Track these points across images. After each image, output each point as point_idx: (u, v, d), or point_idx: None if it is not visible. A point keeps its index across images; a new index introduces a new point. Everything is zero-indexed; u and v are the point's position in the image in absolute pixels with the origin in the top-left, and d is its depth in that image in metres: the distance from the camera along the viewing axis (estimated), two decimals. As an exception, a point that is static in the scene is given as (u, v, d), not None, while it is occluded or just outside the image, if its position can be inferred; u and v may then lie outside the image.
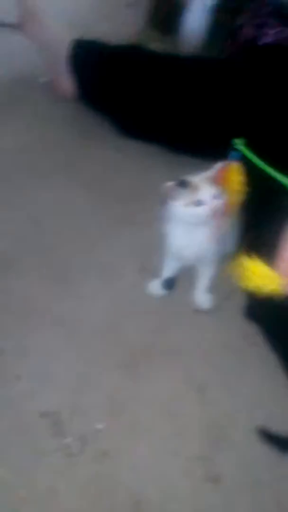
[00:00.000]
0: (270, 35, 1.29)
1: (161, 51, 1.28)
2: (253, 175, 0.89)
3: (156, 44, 1.39)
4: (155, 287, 1.02)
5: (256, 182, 0.90)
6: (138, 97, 1.17)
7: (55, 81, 1.28)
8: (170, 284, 1.01)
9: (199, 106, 1.12)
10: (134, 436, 0.86)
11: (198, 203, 0.86)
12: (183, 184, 0.86)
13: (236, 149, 0.90)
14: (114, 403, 0.89)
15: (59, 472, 0.81)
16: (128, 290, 1.03)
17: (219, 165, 0.88)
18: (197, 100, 1.12)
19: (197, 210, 0.87)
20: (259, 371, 0.94)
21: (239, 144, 0.90)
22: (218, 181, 0.88)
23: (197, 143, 1.14)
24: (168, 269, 1.01)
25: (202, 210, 0.87)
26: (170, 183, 0.86)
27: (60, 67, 1.24)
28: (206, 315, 1.00)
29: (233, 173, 0.90)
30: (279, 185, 0.85)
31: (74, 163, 1.22)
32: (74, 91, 1.26)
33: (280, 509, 0.81)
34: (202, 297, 1.01)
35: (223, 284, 0.96)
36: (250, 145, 0.90)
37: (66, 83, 1.25)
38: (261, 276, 0.63)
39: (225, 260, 0.97)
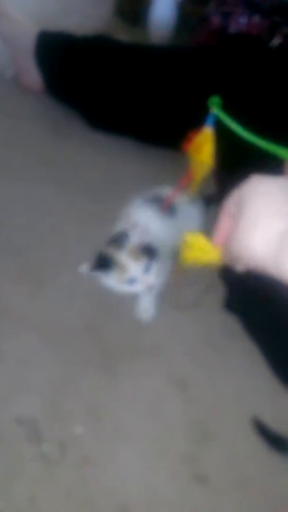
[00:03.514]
0: (239, 23, 1.28)
1: (128, 41, 1.25)
2: (225, 142, 0.84)
3: (124, 35, 1.37)
4: (146, 310, 0.98)
5: (228, 151, 0.86)
6: (106, 89, 1.14)
7: (21, 75, 1.24)
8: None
9: (168, 95, 1.10)
10: (116, 439, 0.83)
11: (130, 281, 0.83)
12: (105, 265, 0.82)
13: (210, 114, 0.86)
14: (94, 406, 0.86)
15: (38, 481, 0.78)
16: (105, 288, 1.00)
17: (138, 229, 0.85)
18: (166, 90, 1.10)
19: (131, 289, 0.84)
20: (242, 365, 0.93)
21: (215, 104, 0.86)
22: (189, 148, 0.85)
23: (167, 133, 1.12)
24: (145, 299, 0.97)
25: (136, 288, 0.84)
26: (87, 266, 0.82)
27: (26, 60, 1.21)
28: (185, 311, 0.97)
29: (206, 142, 0.86)
30: (253, 152, 0.81)
31: (44, 159, 1.18)
32: (41, 84, 1.22)
33: (269, 506, 0.80)
34: (144, 306, 0.96)
35: (201, 279, 0.94)
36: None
37: (33, 76, 1.22)
38: (199, 248, 0.63)
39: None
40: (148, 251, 0.83)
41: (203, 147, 0.86)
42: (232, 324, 0.95)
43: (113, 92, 1.13)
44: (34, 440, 0.81)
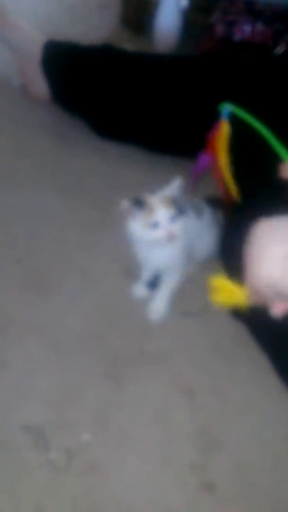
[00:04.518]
0: (243, 31, 1.29)
1: (134, 51, 1.26)
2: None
3: (129, 45, 1.38)
4: (138, 289, 0.99)
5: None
6: (112, 98, 1.15)
7: (28, 84, 1.26)
8: (153, 283, 0.98)
9: (173, 104, 1.11)
10: (122, 447, 0.83)
11: (154, 225, 0.84)
12: (138, 204, 0.83)
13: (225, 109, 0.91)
14: (101, 413, 0.86)
15: (45, 488, 0.78)
16: (110, 295, 1.00)
17: (176, 182, 0.86)
18: (171, 98, 1.11)
19: (152, 234, 0.84)
20: (250, 372, 0.92)
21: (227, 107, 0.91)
22: (210, 142, 0.88)
23: (173, 141, 1.12)
24: (146, 273, 0.99)
25: (158, 234, 0.84)
26: (126, 202, 0.83)
27: (33, 70, 1.22)
28: (192, 318, 0.97)
29: (223, 134, 0.90)
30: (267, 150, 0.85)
31: (49, 167, 1.19)
32: (48, 93, 1.23)
33: (277, 515, 0.79)
34: (156, 306, 0.97)
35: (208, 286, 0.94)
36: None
37: (40, 85, 1.23)
38: (227, 290, 0.64)
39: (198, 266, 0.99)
40: (177, 205, 0.85)
41: (223, 139, 0.91)
42: (239, 331, 0.94)
43: (120, 101, 1.14)
44: (41, 448, 0.80)
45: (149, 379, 0.90)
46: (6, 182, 1.15)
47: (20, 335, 0.93)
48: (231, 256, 0.73)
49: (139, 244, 0.89)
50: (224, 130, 0.91)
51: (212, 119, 0.96)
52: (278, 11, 1.31)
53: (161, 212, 0.83)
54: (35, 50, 1.20)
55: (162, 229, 0.84)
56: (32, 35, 1.21)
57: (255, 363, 0.91)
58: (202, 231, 0.96)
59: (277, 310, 0.61)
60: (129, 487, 0.79)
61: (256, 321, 0.93)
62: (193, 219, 0.94)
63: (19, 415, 0.84)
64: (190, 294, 0.98)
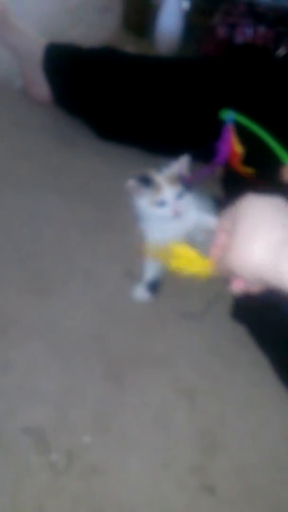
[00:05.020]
0: (245, 34, 1.29)
1: (136, 53, 1.26)
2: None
3: (131, 47, 1.38)
4: (139, 292, 0.99)
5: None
6: (113, 100, 1.15)
7: (30, 86, 1.26)
8: (154, 287, 0.98)
9: (174, 106, 1.11)
10: (123, 449, 0.83)
11: (161, 203, 0.86)
12: (145, 182, 0.86)
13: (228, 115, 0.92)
14: (101, 415, 0.86)
15: (46, 490, 0.78)
16: (112, 297, 1.00)
17: (181, 161, 0.88)
18: (173, 100, 1.11)
19: (159, 211, 0.86)
20: (250, 374, 0.92)
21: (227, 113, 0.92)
22: (225, 143, 0.91)
23: (174, 143, 1.12)
24: (149, 272, 0.98)
25: (164, 211, 0.86)
26: (132, 181, 0.85)
27: (35, 72, 1.22)
28: (192, 320, 0.97)
29: (234, 136, 0.93)
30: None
31: (51, 169, 1.19)
32: (49, 95, 1.23)
33: (278, 517, 0.79)
34: (141, 290, 0.99)
35: (208, 288, 0.94)
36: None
37: (41, 87, 1.23)
38: (186, 258, 0.64)
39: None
40: (184, 182, 0.87)
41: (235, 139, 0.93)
42: (239, 334, 0.94)
43: (121, 103, 1.14)
44: (41, 450, 0.81)
45: (150, 381, 0.90)
46: (8, 184, 1.15)
47: (21, 337, 0.93)
48: None
49: (147, 221, 0.91)
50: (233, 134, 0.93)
51: (214, 121, 0.96)
52: (280, 14, 1.31)
53: (168, 191, 0.85)
54: (37, 52, 1.20)
55: (169, 207, 0.86)
56: (34, 37, 1.22)
57: (255, 365, 0.91)
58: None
59: (238, 286, 0.60)
60: (129, 489, 0.79)
61: (257, 323, 0.93)
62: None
63: (20, 417, 0.84)
64: (190, 296, 0.98)
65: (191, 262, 0.64)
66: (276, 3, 1.33)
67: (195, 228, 0.91)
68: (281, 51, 1.29)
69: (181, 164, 0.88)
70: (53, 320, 0.96)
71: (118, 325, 0.96)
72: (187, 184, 0.88)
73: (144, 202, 0.87)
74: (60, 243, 1.07)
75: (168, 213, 0.86)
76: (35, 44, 1.21)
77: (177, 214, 0.86)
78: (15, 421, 0.83)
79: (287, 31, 1.29)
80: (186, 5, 1.41)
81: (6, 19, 1.20)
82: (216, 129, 0.95)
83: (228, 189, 1.07)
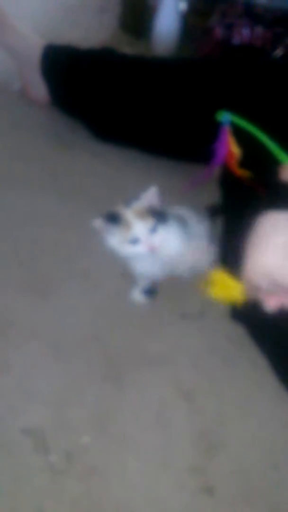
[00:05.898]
0: (242, 34, 1.29)
1: (133, 54, 1.26)
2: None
3: (128, 48, 1.38)
4: (136, 295, 0.99)
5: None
6: (112, 101, 1.15)
7: (27, 87, 1.26)
8: (150, 291, 0.98)
9: (173, 107, 1.11)
10: (122, 449, 0.83)
11: (133, 240, 0.80)
12: (112, 219, 0.80)
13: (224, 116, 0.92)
14: (100, 416, 0.86)
15: (45, 491, 0.78)
16: (110, 299, 1.00)
17: (149, 192, 0.83)
18: (170, 101, 1.11)
19: (133, 249, 0.81)
20: (249, 374, 0.92)
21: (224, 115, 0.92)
22: (222, 145, 0.88)
23: (173, 145, 1.12)
24: (142, 281, 0.98)
25: (138, 249, 0.81)
26: (98, 220, 0.81)
27: (32, 73, 1.22)
28: (191, 320, 0.97)
29: (231, 137, 0.92)
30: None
31: (49, 170, 1.19)
32: (47, 97, 1.24)
33: (277, 517, 0.79)
34: (139, 293, 0.97)
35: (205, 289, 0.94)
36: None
37: (39, 89, 1.23)
38: (223, 285, 0.64)
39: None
40: (156, 214, 0.82)
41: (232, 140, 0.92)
42: (239, 334, 0.94)
43: (119, 104, 1.14)
44: (41, 451, 0.81)
45: (149, 382, 0.90)
46: (6, 186, 1.15)
47: (20, 338, 0.93)
48: (232, 257, 0.73)
49: (126, 258, 0.87)
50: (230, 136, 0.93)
51: (211, 122, 0.96)
52: (277, 15, 1.32)
53: (138, 226, 0.80)
54: (35, 53, 1.20)
55: (143, 244, 0.81)
56: (31, 39, 1.21)
57: (254, 364, 0.91)
58: (190, 241, 0.91)
59: (270, 303, 0.61)
60: (129, 490, 0.79)
61: (256, 323, 0.93)
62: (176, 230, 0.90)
63: (19, 418, 0.84)
64: (189, 297, 0.98)
65: (228, 288, 0.64)
66: (273, 4, 1.33)
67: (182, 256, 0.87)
68: (278, 52, 1.29)
69: (151, 196, 0.82)
70: (52, 321, 0.96)
71: (117, 326, 0.96)
72: (159, 215, 0.82)
73: (115, 241, 0.81)
74: (59, 245, 1.07)
75: (142, 250, 0.81)
76: (33, 45, 1.21)
77: (152, 250, 0.81)
78: (14, 421, 0.83)
79: (284, 32, 1.29)
80: (183, 6, 1.41)
81: (4, 21, 1.20)
82: (213, 131, 0.95)
83: (226, 191, 1.08)
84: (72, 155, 1.22)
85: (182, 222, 0.92)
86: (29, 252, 1.05)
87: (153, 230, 0.81)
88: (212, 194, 1.08)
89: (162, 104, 1.12)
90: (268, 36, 1.30)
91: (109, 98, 1.16)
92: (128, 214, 0.81)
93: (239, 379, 0.92)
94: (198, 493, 0.80)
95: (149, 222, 0.81)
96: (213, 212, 1.01)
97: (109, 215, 0.81)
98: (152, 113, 1.13)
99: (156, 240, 0.81)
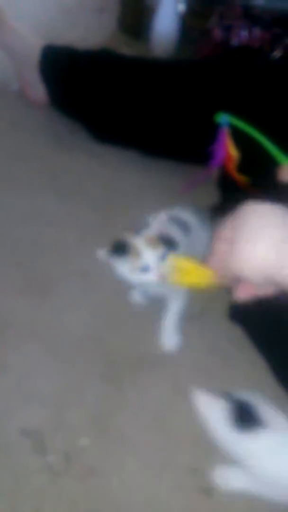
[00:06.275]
0: (240, 36, 1.30)
1: (132, 55, 1.27)
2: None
3: (127, 49, 1.38)
4: (136, 296, 0.99)
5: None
6: (110, 102, 1.16)
7: (26, 88, 1.26)
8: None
9: (172, 108, 1.11)
10: (121, 450, 0.83)
11: (143, 269, 0.79)
12: (121, 250, 0.79)
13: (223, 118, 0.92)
14: (99, 416, 0.85)
15: (43, 492, 0.77)
16: (109, 298, 1.00)
17: (159, 220, 0.83)
18: (169, 102, 1.11)
19: (144, 277, 0.79)
20: (248, 374, 0.92)
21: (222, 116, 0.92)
22: (220, 146, 0.88)
23: (170, 145, 1.13)
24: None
25: (148, 277, 0.79)
26: (104, 251, 0.79)
27: (31, 74, 1.22)
28: (190, 321, 0.97)
29: (229, 139, 0.92)
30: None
31: (47, 170, 1.19)
32: (46, 97, 1.24)
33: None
34: (169, 336, 0.94)
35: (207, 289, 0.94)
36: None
37: (38, 89, 1.23)
38: (188, 271, 0.64)
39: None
40: (166, 241, 0.81)
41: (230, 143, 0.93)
42: (237, 334, 0.94)
43: (117, 105, 1.14)
44: (39, 452, 0.80)
45: (148, 382, 0.90)
46: (5, 186, 1.15)
47: (19, 339, 0.93)
48: None
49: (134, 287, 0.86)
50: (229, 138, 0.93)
51: (210, 124, 0.97)
52: (275, 16, 1.32)
53: (149, 255, 0.79)
54: (33, 54, 1.21)
55: (153, 272, 0.79)
56: (30, 40, 1.22)
57: (253, 365, 0.91)
58: (192, 247, 0.91)
59: (241, 293, 0.61)
60: (128, 491, 0.79)
61: (253, 324, 0.93)
62: (182, 237, 0.89)
63: (18, 418, 0.83)
64: (189, 297, 0.98)
65: (189, 273, 0.64)
66: (271, 5, 1.34)
67: None
68: (276, 53, 1.30)
69: (161, 223, 0.82)
70: (51, 322, 0.96)
71: (116, 326, 0.96)
72: (169, 241, 0.81)
73: (125, 268, 0.80)
74: (57, 245, 1.07)
75: (153, 278, 0.79)
76: (31, 46, 1.21)
77: (163, 278, 0.79)
78: (13, 422, 0.83)
79: (282, 33, 1.30)
80: (182, 7, 1.41)
81: (3, 22, 1.21)
82: (211, 132, 0.96)
83: (224, 192, 1.08)
84: (71, 156, 1.22)
85: (185, 228, 0.92)
86: (27, 252, 1.05)
87: (164, 257, 0.80)
88: (211, 195, 1.08)
89: (160, 105, 1.12)
90: (266, 38, 1.30)
91: (107, 99, 1.16)
92: (138, 242, 0.80)
93: (239, 379, 0.92)
94: (196, 494, 0.80)
95: (159, 250, 0.80)
96: (212, 212, 1.01)
97: (117, 245, 0.80)
98: (150, 114, 1.13)
99: (166, 267, 0.79)
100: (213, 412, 0.74)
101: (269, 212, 0.56)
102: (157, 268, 0.79)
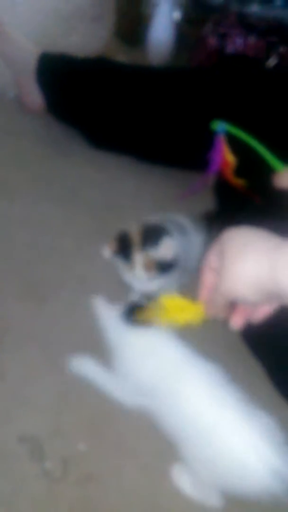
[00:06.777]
0: (236, 44, 1.31)
1: (128, 63, 1.27)
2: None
3: (123, 57, 1.39)
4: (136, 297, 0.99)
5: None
6: (107, 110, 1.16)
7: (23, 95, 1.26)
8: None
9: (168, 115, 1.12)
10: (119, 456, 0.83)
11: (130, 281, 0.86)
12: (124, 251, 0.85)
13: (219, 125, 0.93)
14: (97, 422, 0.86)
15: (41, 499, 0.78)
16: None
17: (165, 246, 0.85)
18: (166, 110, 1.12)
19: (131, 281, 0.87)
20: (245, 382, 0.92)
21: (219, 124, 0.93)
22: (217, 153, 0.90)
23: (167, 152, 1.13)
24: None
25: (135, 285, 0.87)
26: (107, 250, 0.86)
27: (28, 81, 1.22)
28: (187, 328, 0.97)
29: (226, 146, 0.93)
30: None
31: (46, 177, 1.19)
32: (43, 105, 1.24)
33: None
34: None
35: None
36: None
37: (35, 97, 1.23)
38: (177, 309, 0.63)
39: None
40: (163, 266, 0.84)
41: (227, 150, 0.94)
42: (235, 340, 0.95)
43: (114, 113, 1.15)
44: (37, 458, 0.80)
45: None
46: (2, 192, 1.15)
47: (16, 345, 0.93)
48: None
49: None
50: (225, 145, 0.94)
51: (206, 131, 0.97)
52: (270, 24, 1.33)
53: (140, 274, 0.85)
54: (30, 62, 1.21)
55: (137, 287, 0.85)
56: (27, 47, 1.22)
57: (249, 369, 0.92)
58: (188, 250, 0.93)
59: (236, 321, 0.61)
60: (126, 497, 0.79)
61: (250, 330, 0.93)
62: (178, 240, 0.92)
63: (15, 425, 0.84)
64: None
65: (181, 311, 0.63)
66: (266, 13, 1.35)
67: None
68: (271, 61, 1.31)
69: (166, 249, 0.85)
70: (48, 328, 0.96)
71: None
72: (166, 267, 0.85)
73: (125, 269, 0.87)
74: (55, 251, 1.07)
75: (137, 289, 0.85)
76: (28, 53, 1.21)
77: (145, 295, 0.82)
78: (10, 429, 0.83)
79: (277, 41, 1.31)
80: (177, 15, 1.42)
81: None
82: (208, 139, 0.96)
83: (221, 199, 1.08)
84: (68, 162, 1.22)
85: (183, 231, 0.93)
86: (25, 258, 1.05)
87: (152, 279, 0.85)
88: (207, 202, 1.08)
89: (156, 112, 1.13)
90: (261, 46, 1.31)
91: (104, 107, 1.16)
92: (138, 257, 0.84)
93: (236, 385, 0.92)
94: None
95: (151, 275, 0.84)
96: (208, 219, 1.01)
97: (121, 237, 0.85)
98: (147, 122, 1.14)
99: (152, 286, 0.85)
100: (107, 314, 0.79)
101: (250, 231, 0.57)
102: (142, 287, 0.84)
